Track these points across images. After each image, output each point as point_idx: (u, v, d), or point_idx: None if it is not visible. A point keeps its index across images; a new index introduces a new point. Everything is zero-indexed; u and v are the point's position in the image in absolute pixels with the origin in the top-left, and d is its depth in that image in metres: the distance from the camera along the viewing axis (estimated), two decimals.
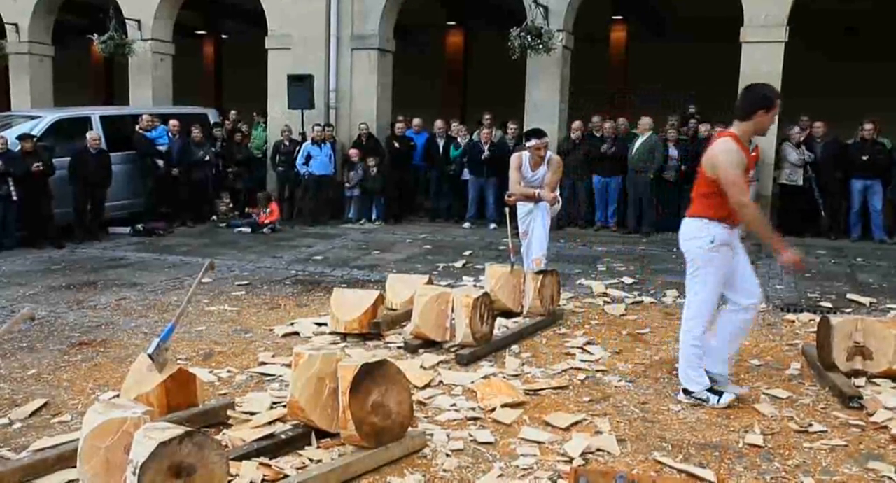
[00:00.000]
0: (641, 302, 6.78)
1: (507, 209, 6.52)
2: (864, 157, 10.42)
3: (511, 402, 4.07)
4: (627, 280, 7.70)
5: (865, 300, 6.90)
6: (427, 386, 4.38)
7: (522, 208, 6.66)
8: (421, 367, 4.70)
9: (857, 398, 4.12)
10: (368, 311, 5.43)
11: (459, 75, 18.40)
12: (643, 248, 9.90)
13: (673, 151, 11.26)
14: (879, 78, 14.38)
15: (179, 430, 2.81)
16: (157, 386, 3.69)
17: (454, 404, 4.10)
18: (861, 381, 4.50)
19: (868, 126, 10.54)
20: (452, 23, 18.01)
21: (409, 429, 3.56)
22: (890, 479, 3.25)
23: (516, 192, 6.48)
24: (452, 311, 5.13)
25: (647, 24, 16.60)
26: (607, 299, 6.83)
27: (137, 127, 11.20)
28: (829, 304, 6.74)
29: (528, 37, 10.83)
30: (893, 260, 9.02)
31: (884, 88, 13.97)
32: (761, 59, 10.82)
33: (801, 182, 10.83)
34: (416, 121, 12.53)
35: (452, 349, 5.04)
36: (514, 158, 6.64)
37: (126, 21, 13.32)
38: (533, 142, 6.45)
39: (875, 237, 10.55)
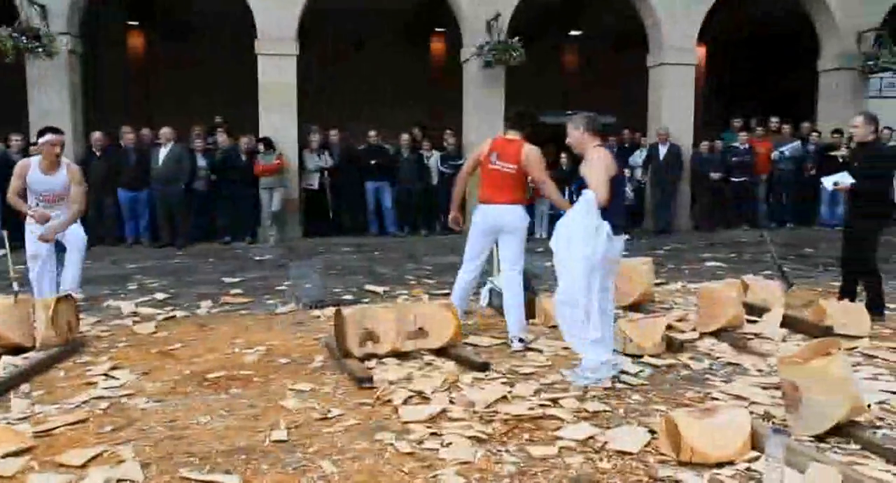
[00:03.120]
0: (174, 317, 6.61)
1: (4, 233, 5.78)
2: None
3: (15, 449, 3.60)
4: (160, 296, 7.44)
5: (380, 289, 7.72)
6: None
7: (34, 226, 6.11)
8: None
9: (368, 379, 4.57)
10: None
11: None
12: (178, 261, 9.68)
13: (202, 162, 11.22)
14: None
15: None
16: None
17: None
18: (373, 362, 5.01)
19: None
20: None
21: None
22: (391, 444, 3.67)
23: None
24: None
25: (165, 29, 16.15)
26: (137, 319, 6.51)
27: None
28: (350, 297, 7.38)
29: (23, 38, 9.74)
30: (402, 252, 10.26)
31: None
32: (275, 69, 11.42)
33: None
34: None
35: None
36: (19, 166, 6.25)
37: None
38: (48, 137, 6.08)
39: (390, 232, 11.90)
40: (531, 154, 5.44)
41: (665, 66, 12.77)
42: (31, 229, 6.23)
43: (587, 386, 4.50)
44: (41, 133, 6.19)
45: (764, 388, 4.45)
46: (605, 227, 4.40)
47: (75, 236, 6.48)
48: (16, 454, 3.56)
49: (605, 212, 4.44)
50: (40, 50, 10.03)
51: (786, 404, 3.78)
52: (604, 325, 4.61)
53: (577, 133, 4.74)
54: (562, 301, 4.56)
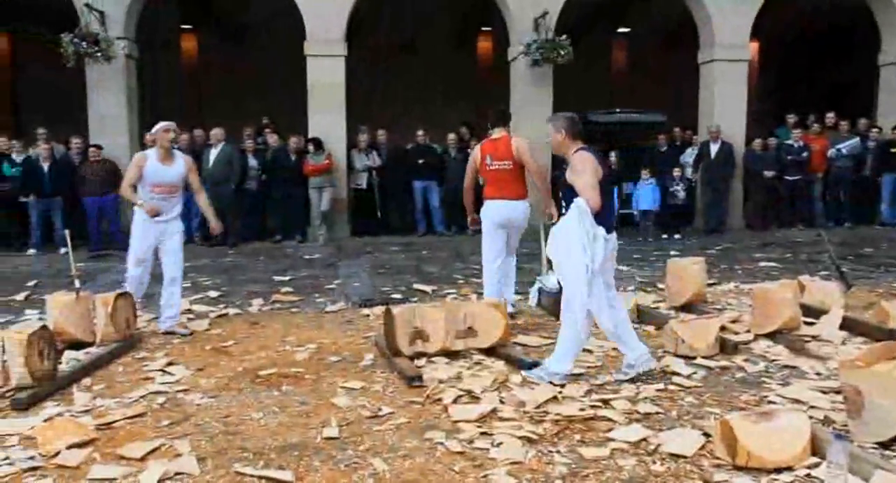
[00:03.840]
0: (226, 314, 6.74)
1: (66, 232, 5.96)
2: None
3: (78, 441, 3.71)
4: (213, 293, 7.59)
5: (428, 288, 7.74)
6: None
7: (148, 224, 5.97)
8: None
9: (418, 378, 4.59)
10: None
11: (7, 84, 16.26)
12: (230, 260, 9.84)
13: (253, 162, 11.40)
14: None
15: None
16: None
17: (7, 457, 3.59)
18: (422, 361, 5.03)
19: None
20: None
21: None
22: (441, 443, 3.67)
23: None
24: (4, 351, 4.51)
25: (220, 32, 16.49)
26: (191, 315, 6.64)
27: None
28: (399, 296, 7.42)
29: (83, 43, 10.01)
30: (450, 251, 10.27)
31: None
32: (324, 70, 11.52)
33: None
34: None
35: (8, 394, 4.43)
36: (137, 157, 6.06)
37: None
38: (161, 124, 5.97)
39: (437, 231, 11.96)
40: (521, 145, 5.95)
41: (716, 63, 12.54)
42: (143, 230, 5.97)
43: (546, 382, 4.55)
44: (152, 125, 6.11)
45: (823, 392, 4.33)
46: (602, 233, 4.36)
47: (177, 260, 6.09)
48: (79, 446, 3.67)
49: (597, 214, 4.38)
50: (99, 54, 10.31)
51: (848, 409, 3.67)
52: (616, 321, 4.60)
53: (558, 136, 4.67)
54: (568, 303, 4.55)
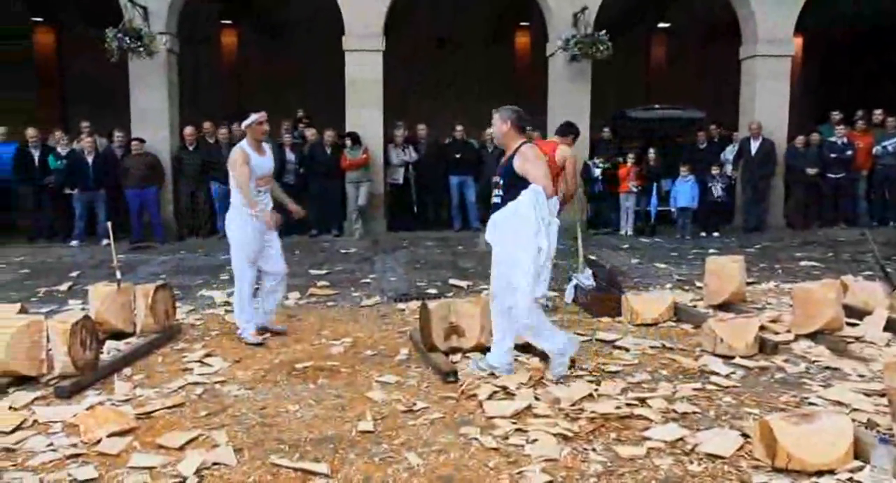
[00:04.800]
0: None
1: (108, 224, 6.06)
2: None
3: (119, 429, 3.78)
4: None
5: (464, 284, 7.74)
6: (18, 429, 3.87)
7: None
8: (10, 408, 4.14)
9: (453, 373, 4.59)
10: None
11: (54, 78, 16.61)
12: None
13: (290, 156, 11.48)
14: None
15: None
16: None
17: (51, 444, 3.68)
18: (457, 356, 5.03)
19: None
20: (39, 19, 16.21)
21: None
22: (476, 439, 3.67)
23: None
24: (49, 340, 4.61)
25: (259, 28, 16.64)
26: (229, 308, 6.71)
27: None
28: (434, 291, 7.42)
29: (127, 38, 10.16)
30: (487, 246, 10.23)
31: None
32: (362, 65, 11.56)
33: None
34: None
35: (52, 383, 4.53)
36: (240, 154, 5.50)
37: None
38: (254, 117, 5.51)
39: (473, 226, 11.91)
40: (567, 155, 6.42)
41: (758, 59, 12.28)
42: (253, 230, 5.67)
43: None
44: (243, 117, 5.66)
45: (867, 394, 4.23)
46: (557, 222, 4.43)
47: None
48: (120, 434, 3.74)
49: None
50: (141, 49, 10.45)
51: (892, 412, 3.58)
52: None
53: (504, 127, 4.74)
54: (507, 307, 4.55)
